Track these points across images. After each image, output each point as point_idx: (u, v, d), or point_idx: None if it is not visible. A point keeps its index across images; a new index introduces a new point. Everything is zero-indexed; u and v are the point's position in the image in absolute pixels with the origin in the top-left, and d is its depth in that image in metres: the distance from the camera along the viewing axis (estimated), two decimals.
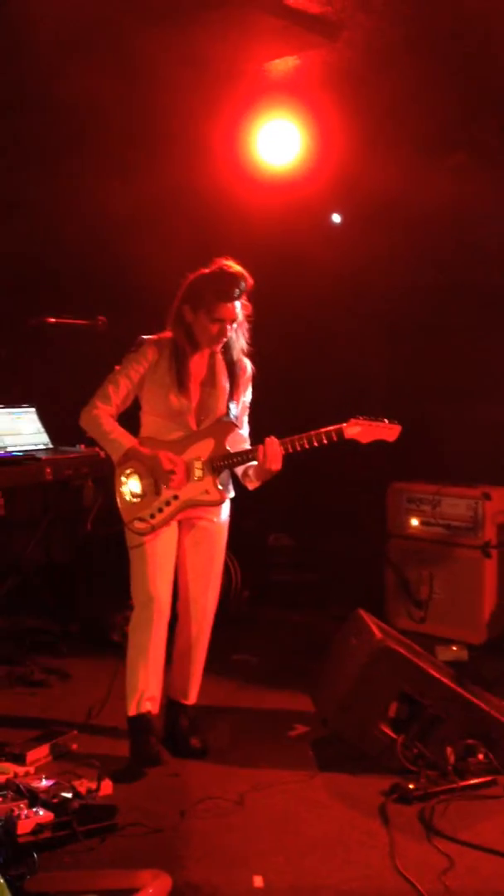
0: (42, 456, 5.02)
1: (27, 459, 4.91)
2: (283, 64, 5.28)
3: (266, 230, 6.08)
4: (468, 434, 6.12)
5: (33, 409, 5.40)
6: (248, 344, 4.02)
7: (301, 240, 6.54)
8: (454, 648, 5.43)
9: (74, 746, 4.05)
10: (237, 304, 3.85)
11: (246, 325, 3.98)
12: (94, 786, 3.51)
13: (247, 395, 4.07)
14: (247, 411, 4.09)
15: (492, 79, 5.13)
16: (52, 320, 4.03)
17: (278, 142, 5.87)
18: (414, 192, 5.93)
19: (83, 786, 3.49)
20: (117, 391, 3.92)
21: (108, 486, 4.91)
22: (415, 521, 6.02)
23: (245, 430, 4.09)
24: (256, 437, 4.05)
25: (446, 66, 5.04)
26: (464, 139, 5.58)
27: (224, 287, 3.79)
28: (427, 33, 4.75)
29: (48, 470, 4.93)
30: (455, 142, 5.65)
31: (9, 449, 5.04)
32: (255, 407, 4.14)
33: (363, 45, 4.96)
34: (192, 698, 4.15)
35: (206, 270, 3.86)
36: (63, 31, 4.66)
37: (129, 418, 4.01)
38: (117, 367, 3.95)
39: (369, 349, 6.87)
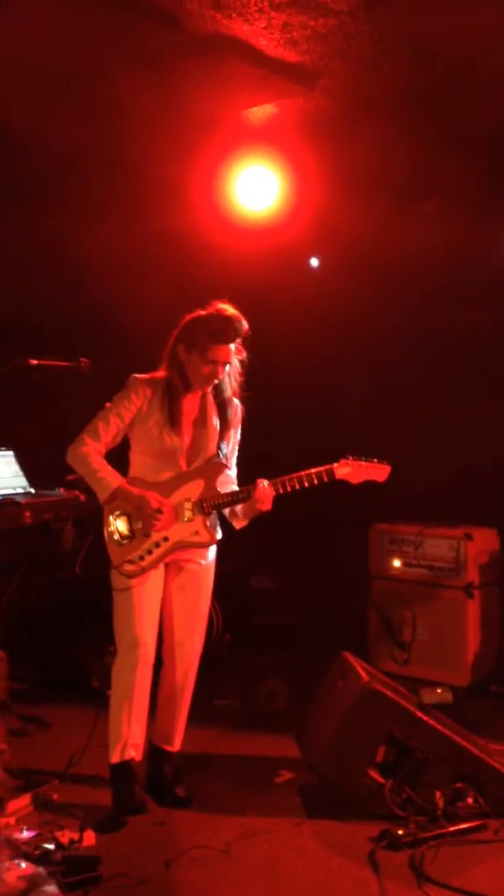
0: (21, 500, 4.97)
1: (6, 503, 4.85)
2: (261, 111, 5.34)
3: (244, 275, 6.11)
4: (449, 475, 6.14)
5: (11, 453, 5.36)
6: (239, 387, 4.02)
7: (279, 284, 6.60)
8: (439, 691, 5.39)
9: (56, 796, 3.95)
10: (231, 346, 3.86)
11: (238, 369, 3.99)
12: (76, 836, 3.43)
13: (236, 436, 4.07)
14: (236, 452, 4.09)
15: (467, 126, 5.21)
16: (34, 362, 4.02)
17: (256, 188, 5.92)
18: (391, 238, 6.01)
19: (65, 836, 3.42)
20: (107, 429, 3.90)
21: (88, 529, 4.88)
22: (397, 563, 6.00)
23: (233, 472, 4.08)
24: (240, 478, 4.04)
25: (423, 113, 5.11)
26: (440, 186, 5.66)
27: (219, 329, 3.81)
28: (403, 82, 4.83)
29: (27, 514, 4.87)
30: (431, 188, 5.73)
31: None
32: (238, 449, 4.13)
33: (340, 93, 5.02)
34: (176, 745, 4.08)
35: (203, 312, 3.88)
36: (41, 76, 4.70)
37: (117, 459, 3.99)
38: (108, 405, 3.94)
39: (349, 392, 6.91)
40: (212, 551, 4.04)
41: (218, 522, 4.04)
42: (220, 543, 4.09)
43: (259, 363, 4.12)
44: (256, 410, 4.20)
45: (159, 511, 3.82)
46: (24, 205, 5.69)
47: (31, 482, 5.31)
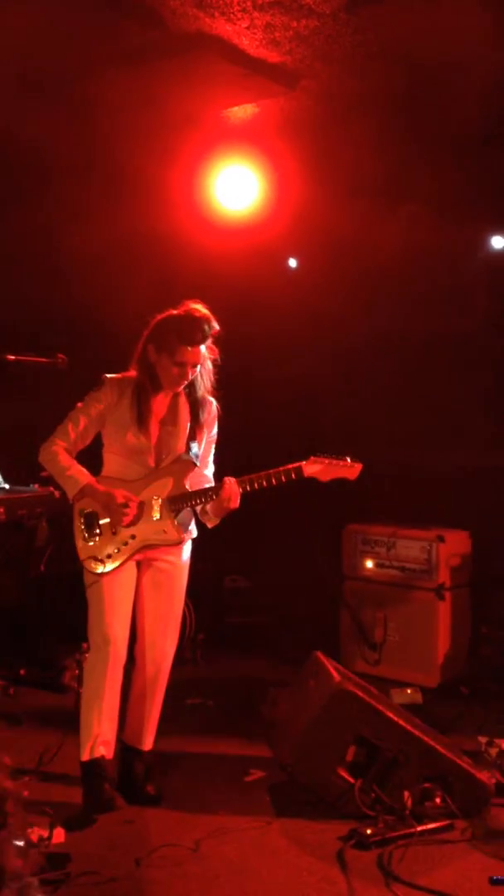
0: None
1: None
2: (242, 111, 5.35)
3: (224, 273, 6.13)
4: (423, 477, 6.19)
5: None
6: (213, 386, 4.02)
7: (259, 284, 6.61)
8: (409, 692, 5.42)
9: (26, 793, 3.92)
10: (201, 348, 3.85)
11: (211, 369, 3.99)
12: (46, 834, 3.42)
13: (212, 434, 4.07)
14: (212, 450, 4.09)
15: (446, 129, 5.24)
16: (12, 357, 4.00)
17: (236, 187, 5.93)
18: (369, 239, 6.04)
19: (35, 834, 3.40)
20: (76, 428, 3.90)
21: (62, 525, 4.87)
22: (370, 563, 6.03)
23: (210, 469, 4.08)
24: (215, 476, 4.05)
25: (402, 116, 5.14)
26: (419, 188, 5.69)
27: (187, 331, 3.79)
28: (383, 85, 4.86)
29: (1, 510, 4.86)
30: (410, 190, 5.76)
31: None
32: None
33: (321, 94, 5.04)
34: (147, 744, 4.08)
35: (175, 312, 3.87)
36: (19, 74, 4.68)
37: (92, 457, 3.98)
38: (79, 405, 3.94)
39: (325, 392, 6.93)
40: (186, 550, 4.04)
41: (191, 521, 4.03)
42: (194, 542, 4.10)
43: (236, 362, 4.12)
44: (236, 409, 4.20)
45: (126, 506, 3.82)
46: (1, 203, 5.67)
47: (6, 478, 5.29)
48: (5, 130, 5.10)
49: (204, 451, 4.02)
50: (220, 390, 4.06)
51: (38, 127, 5.06)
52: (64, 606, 5.42)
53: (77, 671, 5.02)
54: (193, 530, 4.06)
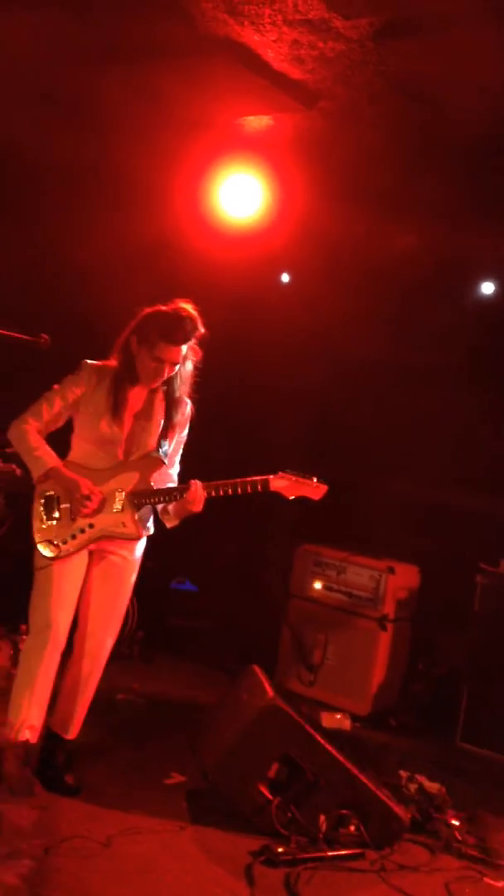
0: None
1: None
2: (257, 121, 5.38)
3: (223, 280, 6.15)
4: (381, 505, 6.22)
5: None
6: (190, 388, 4.03)
7: (256, 293, 6.64)
8: (338, 717, 5.45)
9: None
10: (182, 348, 3.86)
11: (191, 371, 3.99)
12: None
13: (182, 435, 4.07)
14: (180, 451, 4.09)
15: (459, 159, 5.25)
16: None
17: (240, 194, 5.96)
18: (372, 254, 6.09)
19: None
20: (50, 410, 3.88)
21: (19, 503, 4.83)
22: (318, 585, 6.06)
23: (175, 470, 4.09)
24: (180, 477, 4.05)
25: (415, 145, 5.20)
26: (430, 212, 5.75)
27: (170, 329, 3.80)
28: (400, 115, 4.91)
29: None
30: (420, 213, 5.82)
31: None
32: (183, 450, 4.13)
33: (337, 116, 5.08)
34: (72, 733, 4.06)
35: (163, 308, 3.87)
36: (27, 79, 4.68)
37: (60, 441, 3.96)
38: (55, 387, 3.92)
39: (296, 407, 6.96)
40: (139, 547, 4.04)
41: (150, 518, 4.03)
42: (148, 540, 4.09)
43: (229, 367, 4.11)
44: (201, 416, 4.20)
45: (88, 498, 3.81)
46: (5, 210, 5.64)
47: None
48: (13, 133, 5.08)
49: (172, 451, 4.03)
50: (196, 394, 4.06)
51: (41, 130, 5.04)
52: (7, 587, 5.37)
53: (12, 651, 4.99)
54: (150, 528, 4.06)
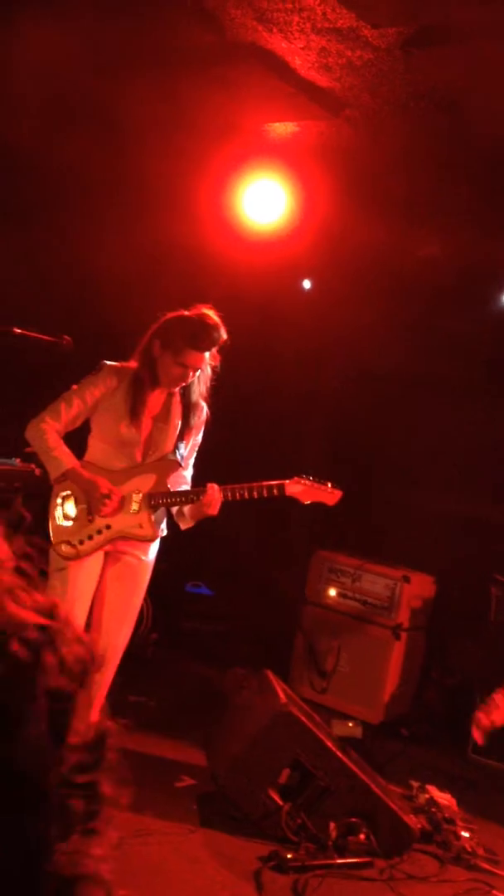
0: None
1: None
2: (283, 128, 5.39)
3: (242, 285, 6.16)
4: (401, 516, 6.22)
5: None
6: (207, 393, 4.04)
7: (279, 299, 6.65)
8: (350, 724, 5.44)
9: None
10: (206, 354, 3.88)
11: (209, 375, 4.01)
12: None
13: (198, 438, 4.09)
14: (194, 454, 4.11)
15: (488, 170, 5.25)
16: (18, 331, 4.01)
17: (264, 200, 5.98)
18: (388, 267, 6.09)
19: None
20: (69, 410, 3.90)
21: (38, 505, 4.85)
22: (333, 592, 6.05)
23: (189, 472, 4.10)
24: (194, 481, 4.06)
25: (441, 154, 5.19)
26: (452, 221, 5.74)
27: (197, 335, 3.81)
28: (426, 125, 4.91)
29: None
30: (440, 227, 5.81)
31: None
32: (199, 453, 4.15)
33: (363, 125, 5.09)
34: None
35: (186, 313, 3.89)
36: (52, 86, 4.71)
37: (78, 442, 3.99)
38: (74, 387, 3.94)
39: (315, 413, 6.97)
40: (153, 549, 4.05)
41: (164, 520, 4.05)
42: (163, 542, 4.11)
43: (249, 372, 4.13)
44: (220, 421, 4.21)
45: (107, 496, 3.83)
46: (31, 218, 5.66)
47: None
48: (34, 144, 5.11)
49: (188, 454, 4.05)
50: (211, 397, 4.08)
51: (67, 138, 5.06)
52: None
53: None
54: (164, 529, 4.08)
